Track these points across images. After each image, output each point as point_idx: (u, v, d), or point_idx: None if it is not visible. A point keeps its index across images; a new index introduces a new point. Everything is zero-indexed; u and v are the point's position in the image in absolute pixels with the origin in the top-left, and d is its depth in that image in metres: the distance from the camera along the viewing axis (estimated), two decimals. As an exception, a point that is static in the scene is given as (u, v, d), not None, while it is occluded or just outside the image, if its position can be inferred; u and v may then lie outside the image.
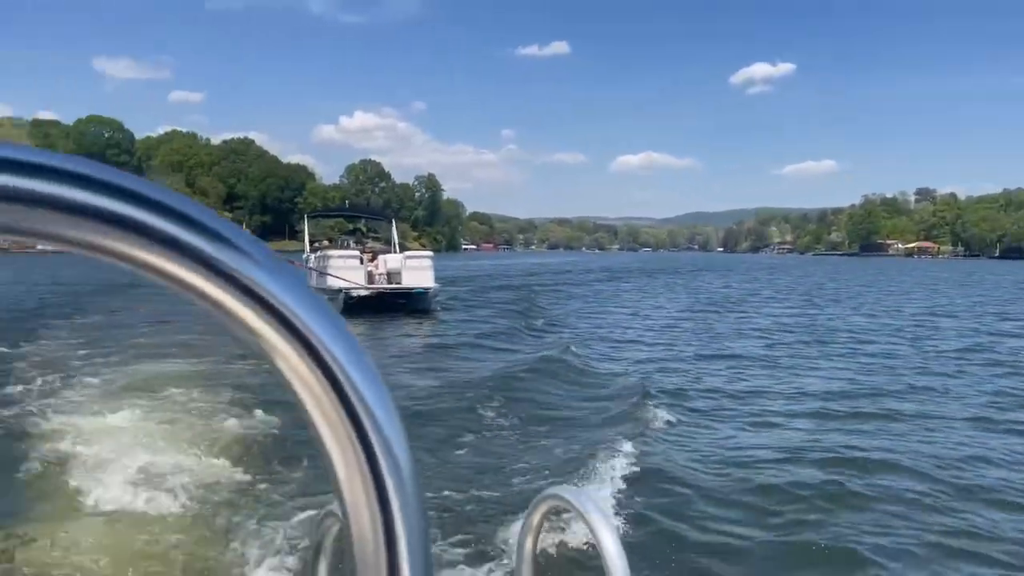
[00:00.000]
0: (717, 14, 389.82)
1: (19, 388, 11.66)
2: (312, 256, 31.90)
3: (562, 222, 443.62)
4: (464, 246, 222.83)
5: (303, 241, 39.43)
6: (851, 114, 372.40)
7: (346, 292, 25.81)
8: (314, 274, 29.14)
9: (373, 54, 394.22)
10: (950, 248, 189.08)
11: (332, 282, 26.07)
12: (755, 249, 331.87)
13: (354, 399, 0.44)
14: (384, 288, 27.36)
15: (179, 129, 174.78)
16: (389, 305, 26.80)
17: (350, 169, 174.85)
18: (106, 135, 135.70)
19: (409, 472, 0.42)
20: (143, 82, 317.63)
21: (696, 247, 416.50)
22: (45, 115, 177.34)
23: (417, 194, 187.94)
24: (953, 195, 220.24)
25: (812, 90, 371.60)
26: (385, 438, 0.44)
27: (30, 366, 13.47)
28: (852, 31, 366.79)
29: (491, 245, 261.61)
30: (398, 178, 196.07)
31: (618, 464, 8.20)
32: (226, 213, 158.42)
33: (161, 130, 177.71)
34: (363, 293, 26.45)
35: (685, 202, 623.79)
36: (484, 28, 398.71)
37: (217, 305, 0.43)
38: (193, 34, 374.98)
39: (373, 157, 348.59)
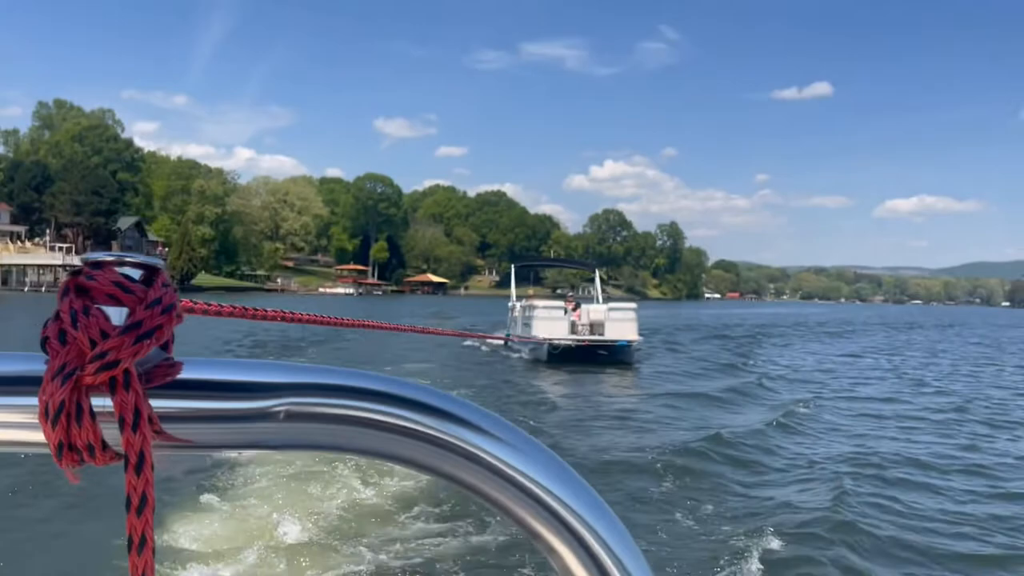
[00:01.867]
0: (997, 46, 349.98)
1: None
2: (518, 305, 32.40)
3: (818, 271, 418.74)
4: (707, 295, 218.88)
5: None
6: None
7: (550, 342, 26.43)
8: (519, 323, 30.36)
9: (625, 104, 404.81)
10: None
11: (536, 332, 27.06)
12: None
13: None
14: (586, 340, 27.21)
15: (441, 183, 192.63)
16: (591, 356, 26.62)
17: (593, 219, 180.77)
18: (379, 190, 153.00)
19: None
20: (415, 139, 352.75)
21: (977, 300, 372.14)
22: (332, 172, 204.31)
23: (659, 242, 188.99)
24: None
25: None
26: None
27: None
28: None
29: (737, 294, 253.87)
30: (647, 224, 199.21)
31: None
32: (479, 261, 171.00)
33: (427, 183, 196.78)
34: (566, 343, 26.64)
35: (965, 251, 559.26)
36: (738, 73, 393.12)
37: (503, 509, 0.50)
38: (457, 93, 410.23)
39: (621, 205, 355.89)
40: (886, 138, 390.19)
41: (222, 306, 1.96)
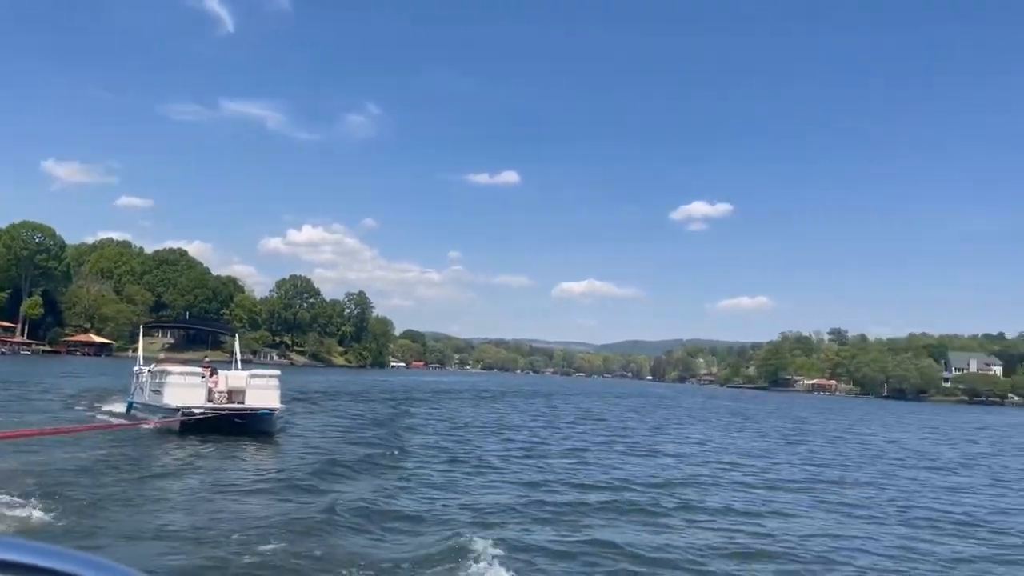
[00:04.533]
0: (659, 151, 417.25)
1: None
2: (146, 369, 29.52)
3: (499, 343, 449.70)
4: (393, 363, 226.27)
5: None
6: (786, 254, 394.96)
7: (184, 410, 24.42)
8: (146, 389, 27.99)
9: (327, 171, 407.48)
10: (847, 387, 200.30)
11: (168, 399, 25.13)
12: (682, 379, 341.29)
13: None
14: (225, 408, 25.50)
15: (114, 236, 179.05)
16: (230, 426, 24.80)
17: (280, 284, 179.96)
18: (37, 239, 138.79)
19: None
20: (92, 185, 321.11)
21: (629, 374, 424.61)
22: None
23: (347, 310, 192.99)
24: (863, 336, 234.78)
25: (749, 230, 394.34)
26: None
27: None
28: (788, 176, 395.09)
29: (422, 363, 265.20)
30: (342, 292, 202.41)
31: None
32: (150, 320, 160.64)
33: (100, 235, 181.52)
34: (202, 412, 24.72)
35: (624, 330, 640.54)
36: (437, 154, 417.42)
37: None
38: (147, 142, 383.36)
39: (319, 271, 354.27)
40: (565, 225, 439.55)
41: None
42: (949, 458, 35.94)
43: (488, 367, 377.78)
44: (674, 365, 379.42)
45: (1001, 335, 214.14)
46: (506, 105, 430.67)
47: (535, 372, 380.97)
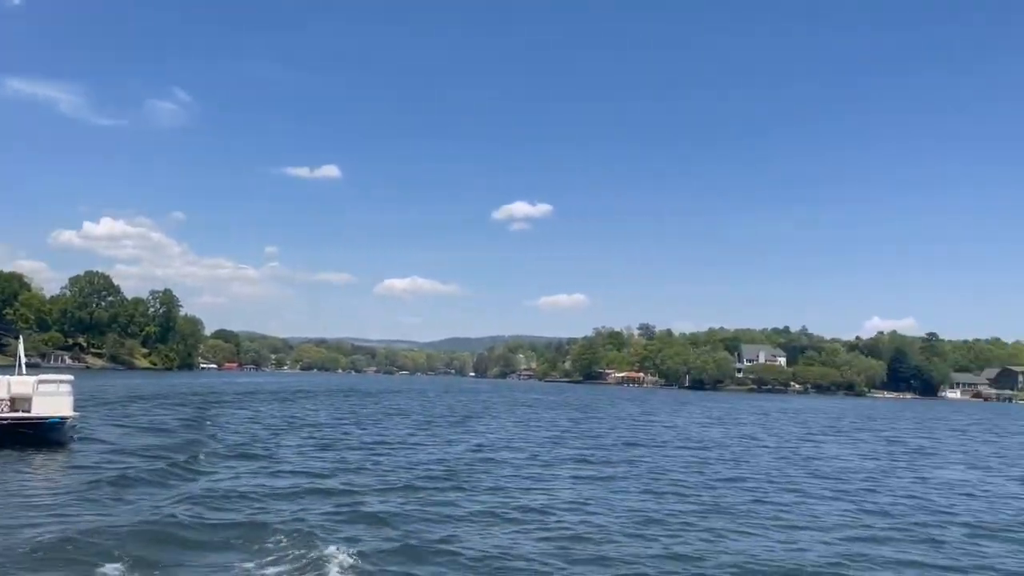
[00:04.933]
0: (482, 151, 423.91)
1: None
2: None
3: (320, 342, 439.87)
4: (203, 365, 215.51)
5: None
6: (602, 254, 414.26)
7: None
8: None
9: (130, 160, 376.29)
10: (653, 379, 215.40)
11: None
12: (503, 375, 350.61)
13: None
14: (8, 417, 23.67)
15: None
16: (13, 438, 22.98)
17: (74, 281, 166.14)
18: None
19: None
20: None
21: (453, 371, 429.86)
22: None
23: (151, 309, 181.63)
24: (669, 331, 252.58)
25: (568, 229, 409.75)
26: None
27: None
28: (602, 178, 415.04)
29: (235, 364, 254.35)
30: (147, 290, 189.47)
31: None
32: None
33: None
34: None
35: (448, 328, 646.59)
36: (252, 146, 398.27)
37: None
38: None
39: (120, 267, 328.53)
40: (387, 222, 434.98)
41: None
42: (709, 438, 41.01)
43: (308, 367, 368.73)
44: (496, 361, 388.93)
45: (787, 329, 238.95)
46: (328, 98, 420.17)
47: (357, 371, 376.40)
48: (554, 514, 16.77)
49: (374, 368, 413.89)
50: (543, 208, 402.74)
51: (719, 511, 18.37)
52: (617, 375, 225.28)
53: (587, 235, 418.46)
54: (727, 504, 19.41)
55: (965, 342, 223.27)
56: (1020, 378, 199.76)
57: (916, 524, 17.95)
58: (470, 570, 12.43)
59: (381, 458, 25.53)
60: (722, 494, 21.08)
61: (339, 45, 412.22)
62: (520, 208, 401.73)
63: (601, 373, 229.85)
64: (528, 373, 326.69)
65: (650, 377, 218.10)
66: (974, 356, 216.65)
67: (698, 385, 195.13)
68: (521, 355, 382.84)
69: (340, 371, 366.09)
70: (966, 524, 18.26)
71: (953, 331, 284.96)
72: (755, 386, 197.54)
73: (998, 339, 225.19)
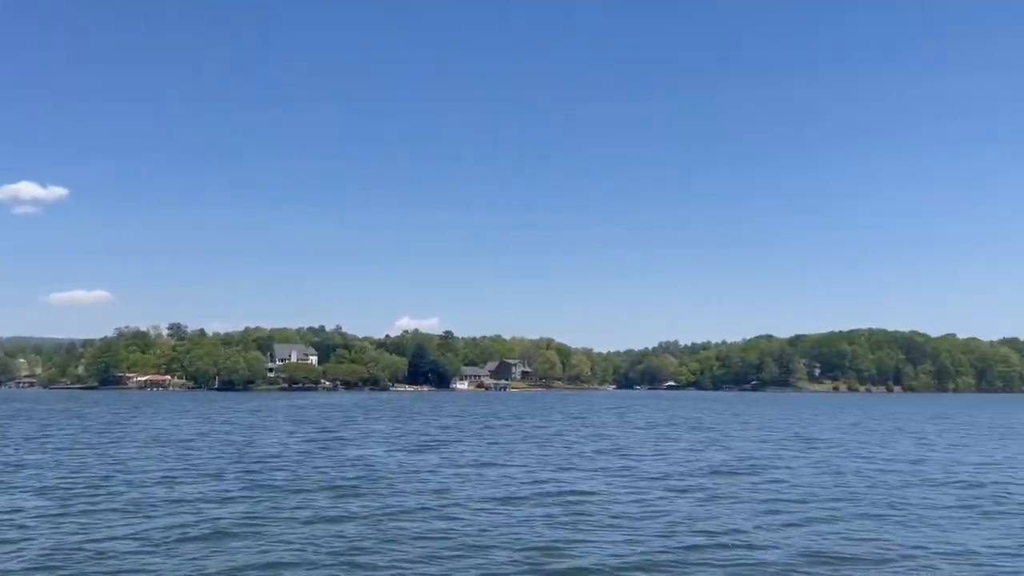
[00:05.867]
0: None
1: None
2: None
3: None
4: None
5: None
6: (129, 245, 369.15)
7: None
8: None
9: None
10: (182, 381, 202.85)
11: None
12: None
13: None
14: None
15: None
16: None
17: None
18: None
19: None
20: None
21: None
22: None
23: None
24: (202, 331, 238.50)
25: (88, 217, 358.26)
26: None
27: None
28: (125, 159, 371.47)
29: None
30: None
31: None
32: None
33: None
34: None
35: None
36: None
37: None
38: None
39: None
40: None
41: None
42: (184, 438, 39.73)
43: None
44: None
45: (322, 328, 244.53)
46: None
47: None
48: None
49: None
50: (57, 191, 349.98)
51: None
52: (140, 379, 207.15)
53: (111, 223, 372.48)
54: None
55: (473, 339, 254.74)
56: (513, 369, 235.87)
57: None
58: None
59: None
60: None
61: None
62: (28, 190, 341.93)
63: (122, 377, 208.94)
64: (30, 380, 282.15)
65: (178, 380, 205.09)
66: (480, 351, 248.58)
67: (228, 386, 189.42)
68: (22, 359, 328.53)
69: None
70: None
71: (466, 328, 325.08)
72: (287, 385, 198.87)
73: (499, 336, 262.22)
